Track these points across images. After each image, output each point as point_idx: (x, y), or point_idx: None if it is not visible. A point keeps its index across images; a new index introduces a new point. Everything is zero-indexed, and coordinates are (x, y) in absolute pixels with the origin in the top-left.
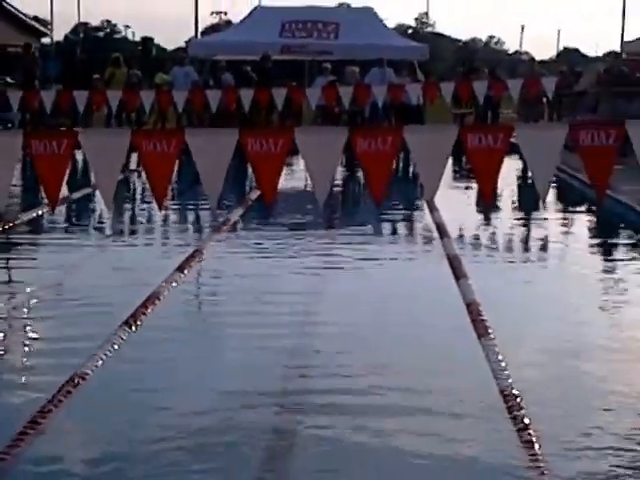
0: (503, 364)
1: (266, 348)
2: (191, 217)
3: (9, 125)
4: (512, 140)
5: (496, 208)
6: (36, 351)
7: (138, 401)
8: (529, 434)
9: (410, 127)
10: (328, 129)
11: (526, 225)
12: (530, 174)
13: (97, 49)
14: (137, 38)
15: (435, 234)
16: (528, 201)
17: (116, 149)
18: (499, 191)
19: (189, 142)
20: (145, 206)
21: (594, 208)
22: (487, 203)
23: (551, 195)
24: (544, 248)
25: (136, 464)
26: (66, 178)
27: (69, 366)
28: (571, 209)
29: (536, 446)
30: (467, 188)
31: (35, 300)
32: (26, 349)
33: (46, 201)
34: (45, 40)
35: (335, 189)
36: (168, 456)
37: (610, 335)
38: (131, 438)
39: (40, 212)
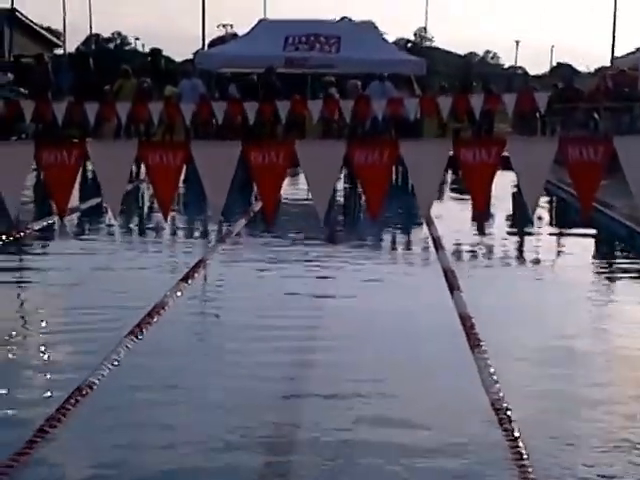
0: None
1: (267, 364)
2: (195, 228)
3: (23, 136)
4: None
5: (492, 222)
6: (41, 362)
7: (140, 418)
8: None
9: (405, 141)
10: (328, 142)
11: (520, 239)
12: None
13: (108, 60)
14: (147, 49)
15: (431, 247)
16: (522, 215)
17: (123, 160)
18: (494, 205)
19: (194, 154)
20: (151, 216)
21: (587, 223)
22: (479, 215)
23: (545, 210)
24: (536, 262)
25: None
26: (76, 188)
27: (73, 379)
28: (565, 223)
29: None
30: (465, 201)
31: (41, 309)
32: (31, 360)
33: (55, 210)
34: (58, 51)
35: (336, 202)
36: (166, 475)
37: (600, 347)
38: (130, 455)
39: (50, 221)
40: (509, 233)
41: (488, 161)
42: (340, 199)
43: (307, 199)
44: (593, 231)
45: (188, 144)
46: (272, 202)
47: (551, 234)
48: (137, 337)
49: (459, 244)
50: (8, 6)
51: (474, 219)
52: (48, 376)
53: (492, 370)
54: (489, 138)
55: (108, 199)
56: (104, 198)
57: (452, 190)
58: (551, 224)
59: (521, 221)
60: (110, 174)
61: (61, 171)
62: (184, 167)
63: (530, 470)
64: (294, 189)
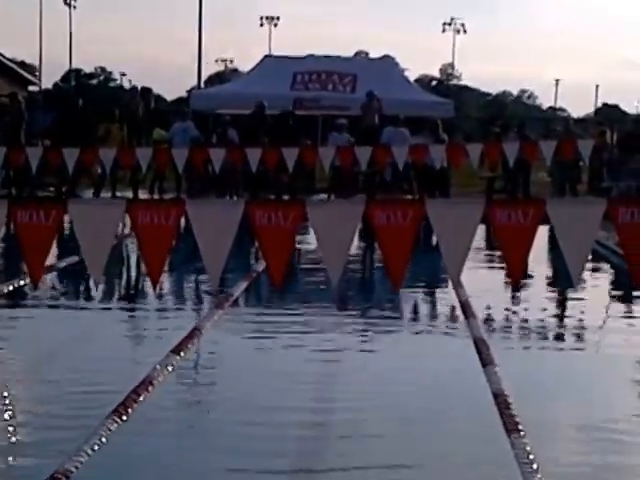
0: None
1: (263, 452)
2: (189, 290)
3: None
4: None
5: (528, 284)
6: (11, 445)
7: None
8: None
9: (433, 201)
10: (343, 202)
11: (560, 306)
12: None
13: (90, 99)
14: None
15: (459, 314)
16: (563, 278)
17: (108, 222)
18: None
19: (190, 214)
20: (139, 278)
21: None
22: (515, 285)
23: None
24: (578, 333)
25: None
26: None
27: (51, 464)
28: (609, 289)
29: None
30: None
31: (11, 381)
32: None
33: (28, 276)
34: (32, 88)
35: (351, 258)
36: None
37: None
38: None
39: (22, 282)
40: (548, 299)
41: (525, 224)
42: (354, 259)
43: (316, 261)
44: None
45: (183, 202)
46: (280, 268)
47: (596, 301)
48: (121, 417)
49: (491, 312)
50: None
51: (509, 286)
52: (17, 462)
53: (531, 457)
54: (526, 198)
55: (90, 264)
56: (85, 262)
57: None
58: (596, 289)
59: (562, 285)
60: (93, 237)
61: (37, 232)
62: (178, 228)
63: None
64: (302, 246)
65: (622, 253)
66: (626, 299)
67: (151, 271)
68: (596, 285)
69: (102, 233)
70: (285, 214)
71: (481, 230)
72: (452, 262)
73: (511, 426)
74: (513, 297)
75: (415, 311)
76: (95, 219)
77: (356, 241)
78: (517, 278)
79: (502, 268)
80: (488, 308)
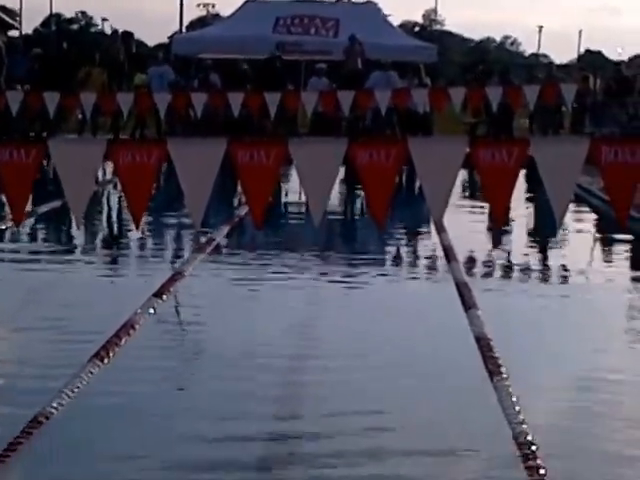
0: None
1: (249, 392)
2: (171, 235)
3: None
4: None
5: (510, 229)
6: None
7: (104, 449)
8: None
9: (415, 139)
10: (325, 140)
11: (542, 250)
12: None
13: (71, 43)
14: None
15: (442, 258)
16: (545, 222)
17: (90, 161)
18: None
19: (172, 153)
20: (120, 222)
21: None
22: (498, 227)
23: (570, 216)
24: (561, 275)
25: None
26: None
27: (33, 403)
28: (592, 232)
29: None
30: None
31: None
32: None
33: (10, 216)
34: (12, 33)
35: (332, 206)
36: None
37: (628, 368)
38: None
39: (3, 227)
40: (531, 242)
41: (509, 164)
42: (337, 204)
43: (299, 202)
44: (628, 242)
45: (165, 142)
46: (261, 208)
47: (579, 245)
48: (102, 361)
49: (473, 255)
50: None
51: (490, 228)
52: (6, 399)
53: (514, 399)
54: (511, 137)
55: (71, 204)
56: (68, 203)
57: (464, 191)
58: (579, 233)
59: (545, 229)
60: (74, 176)
61: (18, 172)
62: (160, 168)
63: None
64: (284, 190)
65: (606, 195)
66: (609, 243)
67: (133, 211)
68: (579, 229)
69: (84, 172)
70: (267, 153)
71: (462, 176)
72: (435, 202)
73: (494, 369)
74: (495, 241)
75: (397, 256)
76: (76, 158)
77: (338, 187)
78: (500, 219)
79: (483, 214)
80: (470, 252)
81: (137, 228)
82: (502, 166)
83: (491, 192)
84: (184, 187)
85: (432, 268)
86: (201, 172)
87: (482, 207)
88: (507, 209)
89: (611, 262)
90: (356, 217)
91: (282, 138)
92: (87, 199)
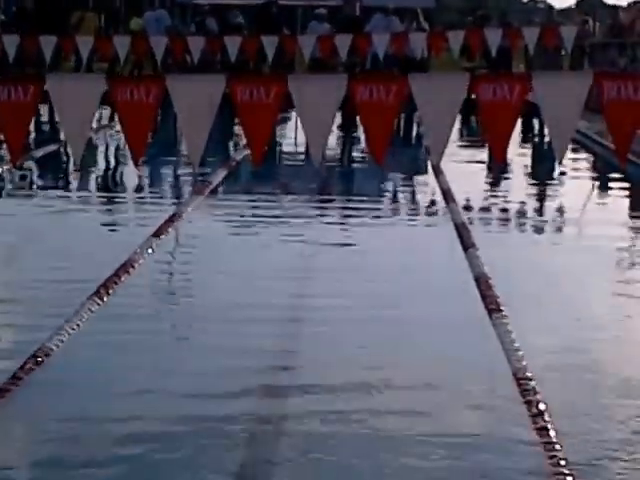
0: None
1: (247, 333)
2: (170, 177)
3: None
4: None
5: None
6: None
7: (102, 384)
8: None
9: (416, 75)
10: (325, 77)
11: (539, 192)
12: (547, 132)
13: None
14: None
15: (440, 200)
16: (544, 164)
17: (88, 97)
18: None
19: (170, 90)
20: (118, 165)
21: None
22: (498, 163)
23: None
24: (559, 217)
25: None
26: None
27: (33, 341)
28: (593, 176)
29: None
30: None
31: None
32: None
33: (7, 155)
34: None
35: (331, 152)
36: (133, 446)
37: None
38: (90, 427)
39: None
40: (528, 186)
41: (511, 100)
42: (334, 149)
43: (297, 152)
44: (627, 185)
45: (163, 78)
46: (260, 146)
47: (576, 188)
48: (102, 299)
49: (471, 198)
50: None
51: (490, 167)
52: (9, 336)
53: (513, 337)
54: (511, 73)
55: (70, 141)
56: (66, 140)
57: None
58: (575, 178)
59: (543, 171)
60: (73, 113)
61: (15, 110)
62: (159, 105)
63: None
64: (282, 138)
65: (605, 138)
66: (606, 187)
67: (133, 148)
68: (576, 174)
69: (82, 109)
70: (267, 89)
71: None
72: (435, 141)
73: (493, 306)
74: (493, 183)
75: (395, 198)
76: (74, 95)
77: (336, 133)
78: (501, 156)
79: (480, 162)
80: (468, 194)
81: (136, 165)
82: (503, 102)
83: (492, 128)
84: (182, 125)
85: (431, 210)
86: (200, 110)
87: (482, 146)
88: (508, 145)
89: (607, 205)
90: (353, 162)
91: (282, 74)
92: (86, 136)
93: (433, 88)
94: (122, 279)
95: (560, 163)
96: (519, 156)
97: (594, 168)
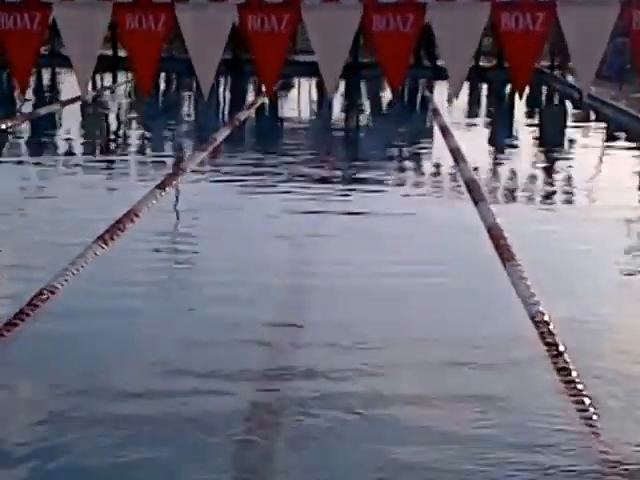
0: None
1: (240, 297)
2: (174, 131)
3: None
4: None
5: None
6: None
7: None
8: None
9: (435, 4)
10: (340, 5)
11: (548, 156)
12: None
13: None
14: None
15: (450, 160)
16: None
17: (95, 24)
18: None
19: (179, 18)
20: (120, 127)
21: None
22: (520, 92)
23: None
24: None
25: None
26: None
27: (38, 280)
28: (601, 141)
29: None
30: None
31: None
32: None
33: (16, 83)
34: None
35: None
36: (127, 414)
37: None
38: (81, 387)
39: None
40: (538, 150)
41: (534, 30)
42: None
43: (300, 121)
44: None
45: (172, 5)
46: (273, 77)
47: (586, 152)
48: (106, 244)
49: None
50: None
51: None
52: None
53: (529, 283)
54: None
55: (77, 69)
56: (73, 69)
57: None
58: (585, 147)
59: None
60: (80, 41)
61: (22, 38)
62: (168, 33)
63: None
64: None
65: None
66: (617, 151)
67: (141, 79)
68: (586, 142)
69: (89, 36)
70: (279, 18)
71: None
72: (454, 72)
73: (507, 256)
74: (498, 154)
75: (403, 158)
76: (82, 21)
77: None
78: (522, 87)
79: (490, 126)
80: (477, 154)
81: (145, 96)
82: (526, 33)
83: (514, 58)
84: (192, 54)
85: (439, 169)
86: (210, 38)
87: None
88: (530, 77)
89: (618, 167)
90: (359, 128)
91: (294, 3)
92: (93, 64)
93: (453, 16)
94: (126, 227)
95: (585, 96)
96: (526, 125)
97: (606, 132)
